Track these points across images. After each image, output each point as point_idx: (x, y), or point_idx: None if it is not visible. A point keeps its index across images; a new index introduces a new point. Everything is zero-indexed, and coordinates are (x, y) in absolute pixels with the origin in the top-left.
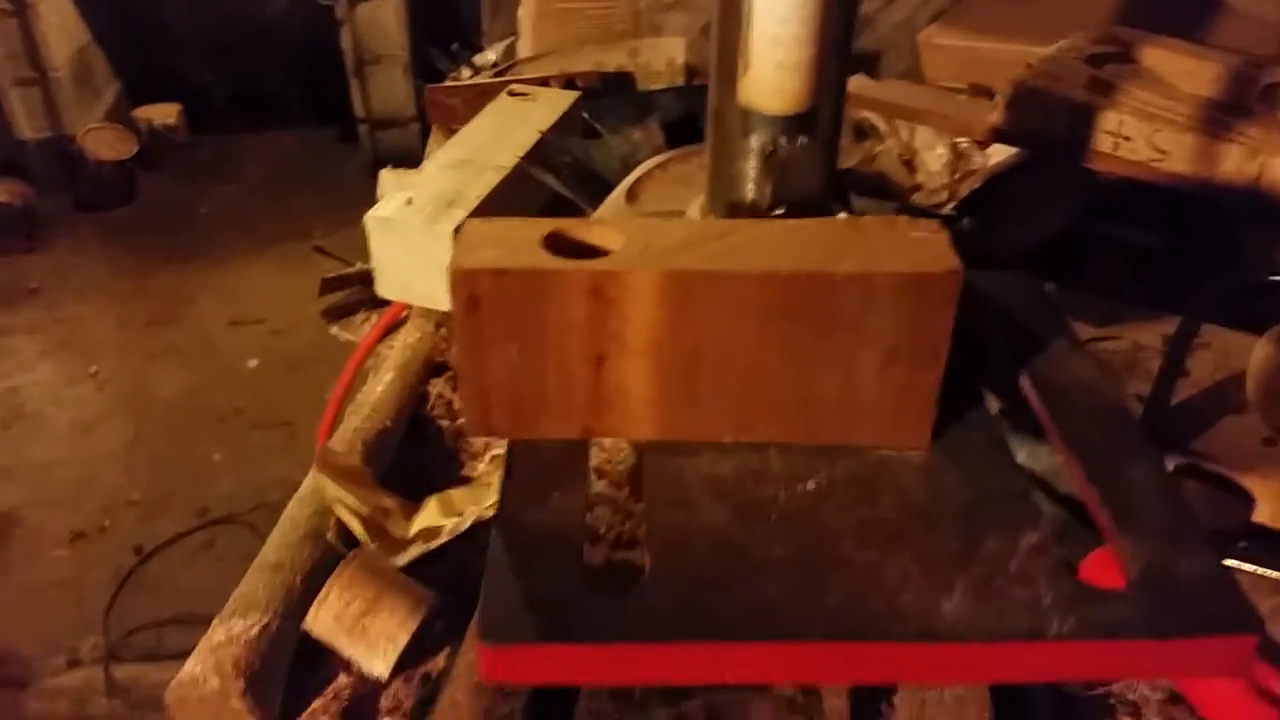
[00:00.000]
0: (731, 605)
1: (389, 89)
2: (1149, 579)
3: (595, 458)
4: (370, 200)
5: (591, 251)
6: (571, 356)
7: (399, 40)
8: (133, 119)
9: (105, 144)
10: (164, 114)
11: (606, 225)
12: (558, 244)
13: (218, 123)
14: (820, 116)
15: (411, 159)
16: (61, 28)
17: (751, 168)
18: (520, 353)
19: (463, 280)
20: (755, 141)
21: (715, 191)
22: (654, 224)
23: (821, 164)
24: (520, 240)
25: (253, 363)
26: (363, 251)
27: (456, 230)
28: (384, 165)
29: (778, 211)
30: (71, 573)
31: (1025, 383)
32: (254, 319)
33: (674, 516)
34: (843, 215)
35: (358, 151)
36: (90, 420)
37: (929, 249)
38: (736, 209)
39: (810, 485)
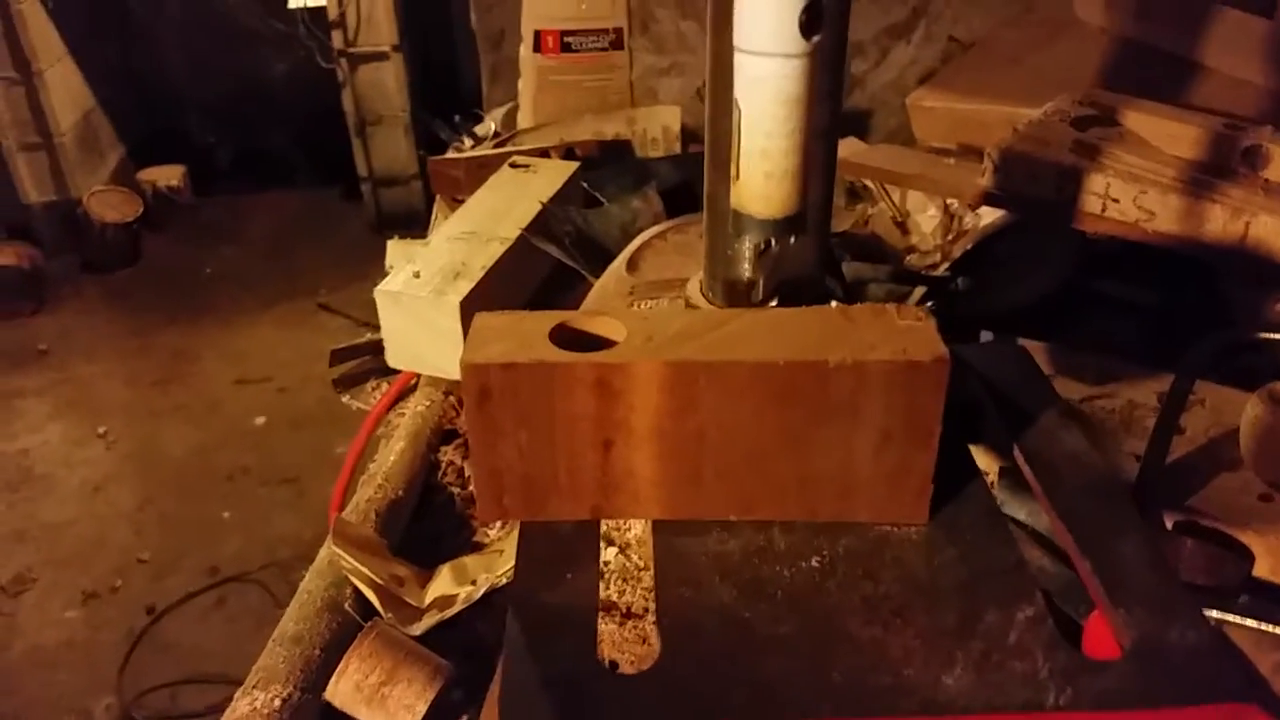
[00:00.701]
0: (740, 685)
1: (391, 148)
2: (1143, 649)
3: (604, 524)
4: (374, 258)
5: (596, 342)
6: (579, 443)
7: (400, 101)
8: (137, 181)
9: (110, 206)
10: (168, 176)
11: (610, 317)
12: (564, 336)
13: (222, 184)
14: (810, 212)
15: (413, 216)
16: (67, 93)
17: (745, 264)
18: (530, 440)
19: (474, 374)
20: (748, 242)
21: (713, 270)
22: (655, 314)
23: (814, 251)
24: (528, 333)
25: (259, 420)
26: (367, 308)
27: (463, 303)
28: (387, 222)
29: (772, 303)
30: (83, 633)
31: (1018, 456)
32: (260, 377)
33: (683, 595)
34: (834, 304)
35: (361, 210)
36: (100, 480)
37: (917, 336)
38: (733, 289)
39: (814, 562)
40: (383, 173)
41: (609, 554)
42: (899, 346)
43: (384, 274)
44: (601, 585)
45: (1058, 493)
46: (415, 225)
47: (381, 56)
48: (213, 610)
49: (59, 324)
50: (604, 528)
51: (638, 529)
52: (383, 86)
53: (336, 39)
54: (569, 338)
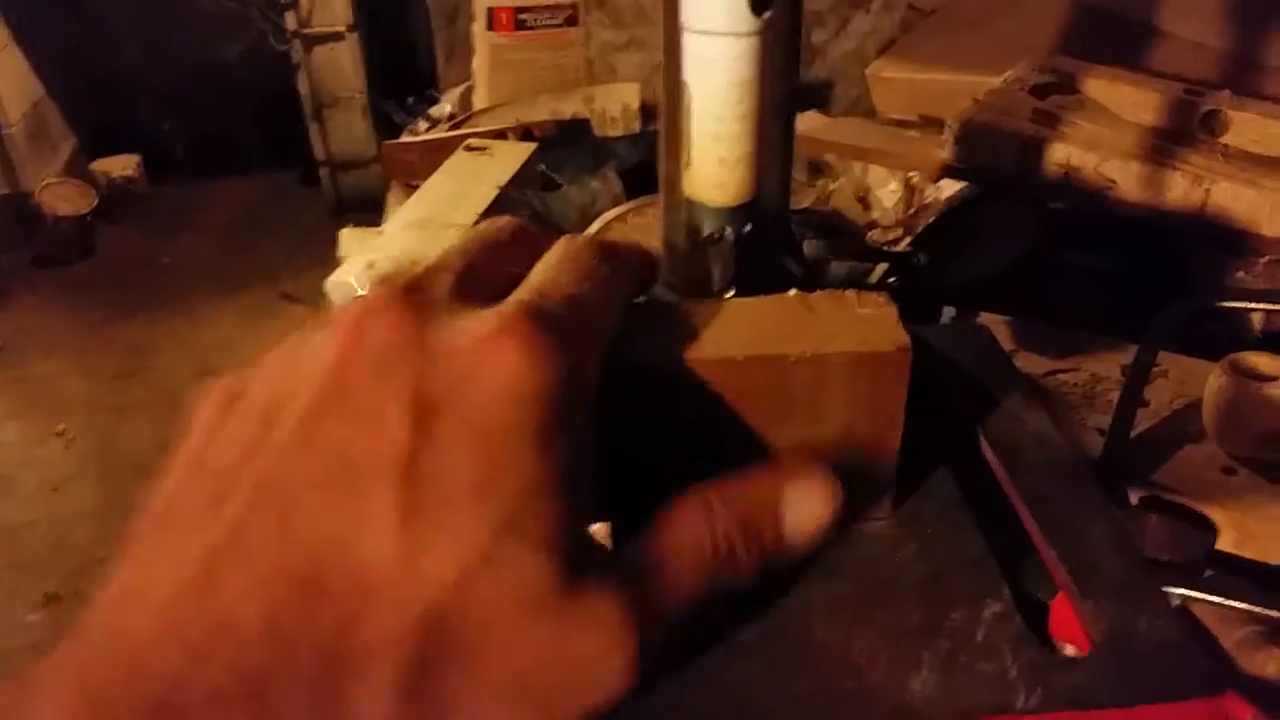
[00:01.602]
0: (704, 693)
1: (348, 131)
2: (1112, 642)
3: None
4: (334, 244)
5: None
6: None
7: (356, 82)
8: (91, 172)
9: (63, 199)
10: (122, 166)
11: None
12: None
13: (178, 172)
14: (768, 193)
15: (374, 200)
16: (14, 83)
17: (699, 254)
18: None
19: None
20: (702, 231)
21: (670, 257)
22: None
23: (772, 232)
24: None
25: None
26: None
27: None
28: (347, 206)
29: (729, 294)
30: (47, 637)
31: (981, 439)
32: (222, 368)
33: None
34: (793, 292)
35: (320, 194)
36: (60, 480)
37: (878, 325)
38: (690, 277)
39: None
40: (341, 156)
41: None
42: (860, 336)
43: (339, 256)
44: None
45: (1022, 476)
46: (375, 209)
47: (336, 37)
48: None
49: (13, 321)
50: None
51: (594, 527)
52: (338, 67)
53: (290, 20)
54: None
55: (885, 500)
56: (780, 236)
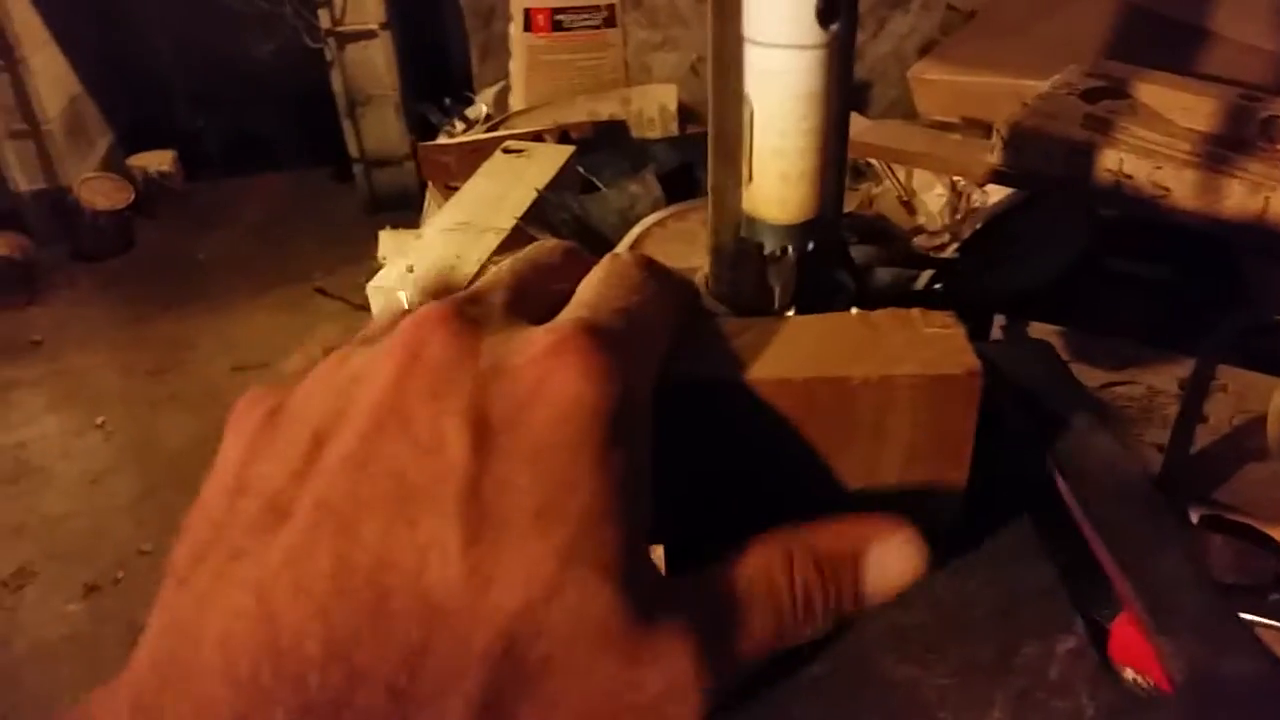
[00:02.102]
0: None
1: (382, 128)
2: (1195, 683)
3: None
4: (368, 240)
5: None
6: None
7: (389, 80)
8: (127, 168)
9: (101, 194)
10: (159, 161)
11: None
12: None
13: (213, 168)
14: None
15: (407, 197)
16: (53, 80)
17: (759, 272)
18: None
19: None
20: (764, 249)
21: (718, 270)
22: None
23: (827, 245)
24: None
25: None
26: (364, 291)
27: None
28: (380, 204)
29: (789, 312)
30: (86, 627)
31: (1050, 465)
32: (257, 363)
33: None
34: (855, 310)
35: (353, 191)
36: (99, 472)
37: (946, 346)
38: (740, 289)
39: None
40: (375, 153)
41: None
42: (927, 358)
43: (378, 258)
44: None
45: (1092, 502)
46: (408, 207)
47: (370, 35)
48: None
49: (52, 314)
50: None
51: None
52: (372, 65)
53: (323, 18)
54: None
55: (952, 525)
56: (834, 248)
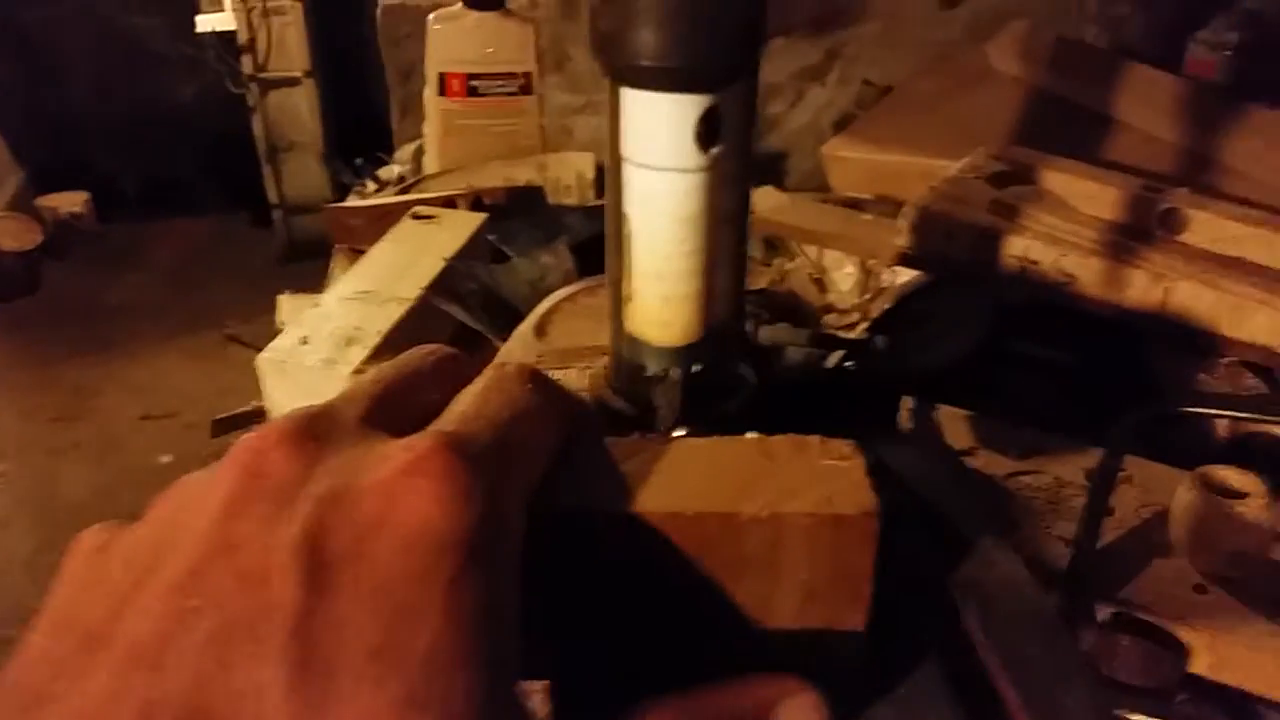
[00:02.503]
0: None
1: (303, 175)
2: None
3: None
4: (284, 288)
5: None
6: None
7: (312, 127)
8: (37, 208)
9: (8, 234)
10: (70, 202)
11: None
12: None
13: (128, 210)
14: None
15: (327, 245)
16: None
17: (643, 392)
18: None
19: None
20: (647, 370)
21: (617, 367)
22: None
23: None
24: None
25: (165, 459)
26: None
27: (355, 374)
28: (298, 251)
29: (678, 432)
30: None
31: (952, 588)
32: (166, 413)
33: None
34: (751, 435)
35: (271, 237)
36: None
37: (843, 480)
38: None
39: None
40: (295, 200)
41: None
42: (822, 494)
43: (276, 324)
44: None
45: (996, 633)
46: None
47: (293, 82)
48: None
49: None
50: None
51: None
52: (295, 112)
53: (246, 63)
54: None
55: (854, 673)
56: (735, 342)
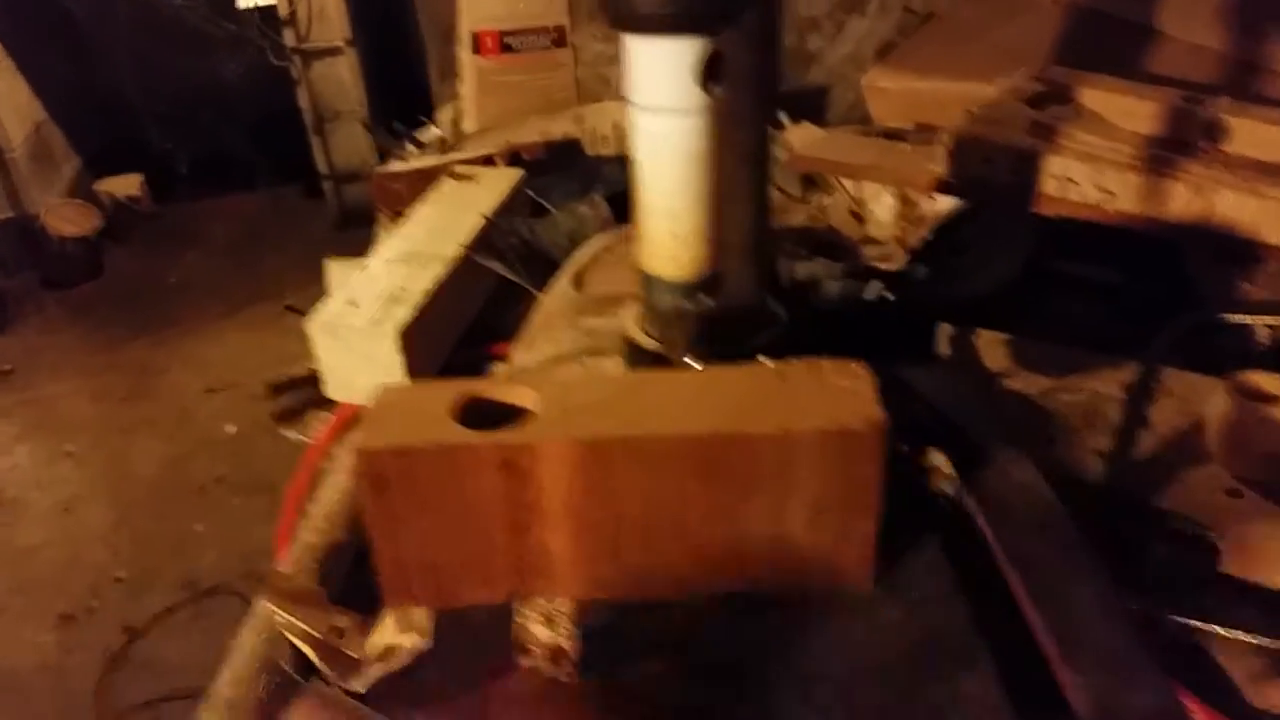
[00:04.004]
0: None
1: (350, 144)
2: (1100, 717)
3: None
4: (339, 255)
5: (507, 414)
6: (490, 527)
7: (356, 95)
8: (95, 193)
9: (68, 220)
10: (126, 186)
11: (523, 385)
12: (472, 410)
13: (182, 190)
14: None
15: (376, 211)
16: (16, 106)
17: (659, 326)
18: (435, 527)
19: (368, 461)
20: (659, 304)
21: (647, 310)
22: (572, 381)
23: (753, 278)
24: (430, 409)
25: (231, 429)
26: None
27: (403, 333)
28: (350, 219)
29: (696, 366)
30: (58, 656)
31: (965, 495)
32: (229, 384)
33: (611, 675)
34: (767, 361)
35: (323, 207)
36: (71, 500)
37: (852, 399)
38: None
39: (752, 637)
40: (343, 169)
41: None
42: (831, 412)
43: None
44: (526, 659)
45: (1007, 534)
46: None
47: (335, 52)
48: (192, 624)
49: (22, 343)
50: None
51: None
52: (338, 82)
53: (289, 36)
54: (477, 410)
55: (864, 571)
56: (762, 278)
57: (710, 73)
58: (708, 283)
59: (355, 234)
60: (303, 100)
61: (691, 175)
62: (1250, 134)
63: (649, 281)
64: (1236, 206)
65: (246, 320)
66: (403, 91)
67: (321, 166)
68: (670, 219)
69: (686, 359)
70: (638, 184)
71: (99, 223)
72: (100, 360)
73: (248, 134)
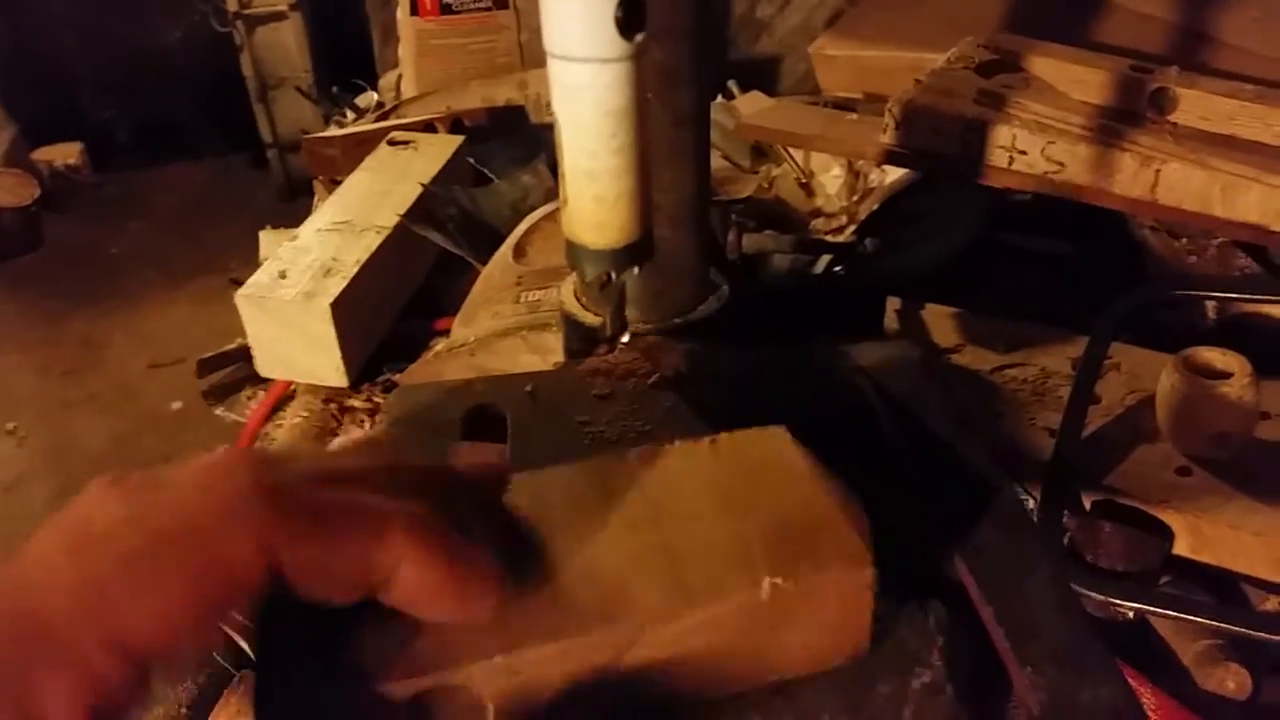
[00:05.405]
0: None
1: (295, 112)
2: (1053, 713)
3: None
4: (286, 226)
5: None
6: None
7: (301, 63)
8: (32, 162)
9: (4, 190)
10: (65, 154)
11: None
12: None
13: (124, 159)
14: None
15: None
16: None
17: (587, 298)
18: None
19: None
20: (584, 274)
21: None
22: None
23: (692, 249)
24: None
25: (176, 405)
26: None
27: (335, 305)
28: (297, 188)
29: (623, 338)
30: None
31: (913, 474)
32: (174, 359)
33: None
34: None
35: (269, 176)
36: (13, 479)
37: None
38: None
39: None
40: (289, 138)
41: None
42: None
43: (259, 261)
44: None
45: (958, 526)
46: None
47: (279, 17)
48: None
49: None
50: None
51: None
52: (282, 48)
53: (231, 1)
54: None
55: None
56: (702, 248)
57: (629, 15)
58: (634, 250)
59: (303, 204)
60: (246, 67)
61: (615, 130)
62: (1198, 105)
63: (573, 250)
64: (1184, 178)
65: (191, 293)
66: (348, 57)
67: (266, 135)
68: (592, 181)
69: (617, 335)
70: (558, 144)
71: (37, 192)
72: (41, 334)
73: (192, 102)
